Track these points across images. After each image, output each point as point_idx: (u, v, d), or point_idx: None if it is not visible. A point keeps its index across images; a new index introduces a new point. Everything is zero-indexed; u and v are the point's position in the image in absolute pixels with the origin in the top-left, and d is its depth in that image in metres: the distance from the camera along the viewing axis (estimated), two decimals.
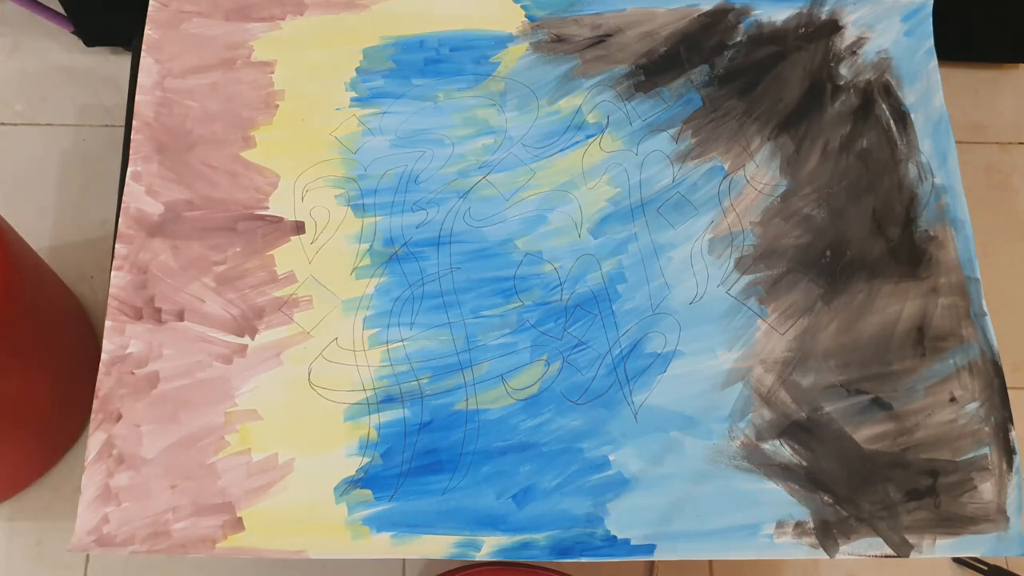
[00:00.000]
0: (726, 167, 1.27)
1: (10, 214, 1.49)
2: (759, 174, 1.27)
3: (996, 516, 1.13)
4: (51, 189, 1.98)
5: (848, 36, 1.35)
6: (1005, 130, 2.21)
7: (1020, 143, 2.19)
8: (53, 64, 2.11)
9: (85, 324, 1.80)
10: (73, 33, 1.98)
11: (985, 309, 1.22)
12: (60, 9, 1.89)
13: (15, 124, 2.04)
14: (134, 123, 1.22)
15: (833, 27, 1.36)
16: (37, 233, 1.92)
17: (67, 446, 1.73)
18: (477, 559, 1.09)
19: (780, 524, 1.11)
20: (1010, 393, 1.20)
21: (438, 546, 1.08)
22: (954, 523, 1.13)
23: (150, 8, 1.29)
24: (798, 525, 1.11)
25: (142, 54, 1.26)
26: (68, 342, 1.63)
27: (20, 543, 1.73)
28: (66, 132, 2.04)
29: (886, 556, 1.11)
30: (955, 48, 1.99)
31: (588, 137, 1.28)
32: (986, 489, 1.14)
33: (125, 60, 2.07)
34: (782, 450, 1.14)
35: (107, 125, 2.04)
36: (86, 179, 1.99)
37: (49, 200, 1.97)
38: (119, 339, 1.13)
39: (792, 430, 1.15)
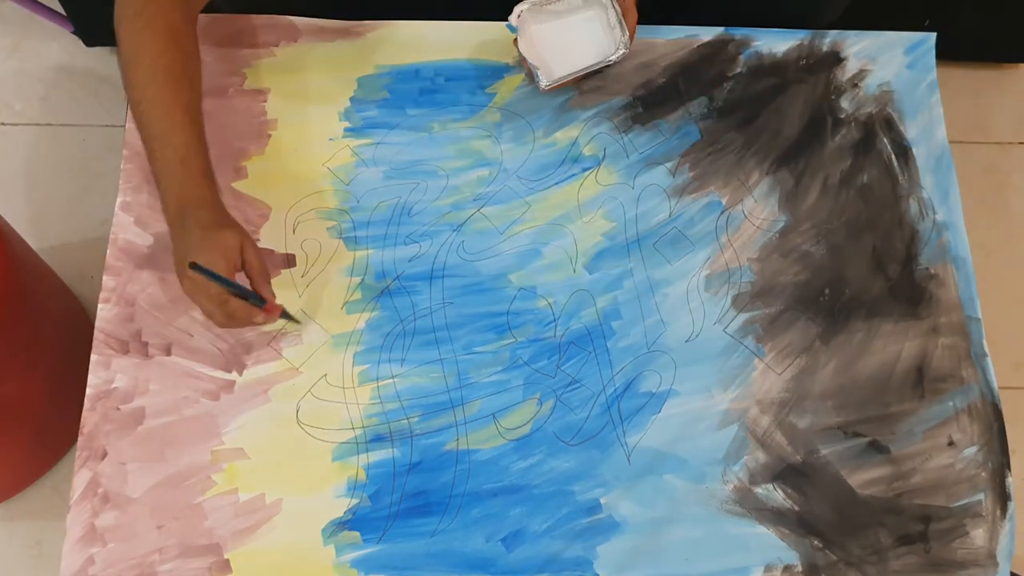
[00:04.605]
0: (724, 202, 1.25)
1: (10, 214, 1.49)
2: (757, 209, 1.25)
3: (986, 561, 1.13)
4: (51, 189, 1.98)
5: (849, 68, 1.33)
6: (1005, 130, 2.21)
7: (1020, 143, 2.19)
8: (53, 64, 2.10)
9: (85, 324, 1.79)
10: (73, 33, 1.97)
11: (986, 350, 1.21)
12: (60, 9, 1.88)
13: (15, 124, 2.04)
14: (124, 152, 1.20)
15: (834, 59, 1.34)
16: (37, 233, 1.92)
17: (67, 446, 1.74)
18: None
19: (768, 568, 1.11)
20: (1010, 393, 1.19)
21: None
22: (943, 568, 1.12)
23: None
24: (787, 569, 1.10)
25: None
26: (68, 342, 1.63)
27: (20, 543, 1.73)
28: (66, 132, 2.04)
29: None
30: (955, 48, 1.96)
31: (584, 170, 1.26)
32: (978, 535, 1.14)
33: None
34: (775, 494, 1.13)
35: (107, 125, 2.04)
36: (86, 179, 1.99)
37: (49, 200, 1.97)
38: (104, 373, 1.12)
39: (786, 474, 1.14)
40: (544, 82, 1.21)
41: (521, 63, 1.27)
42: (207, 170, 1.07)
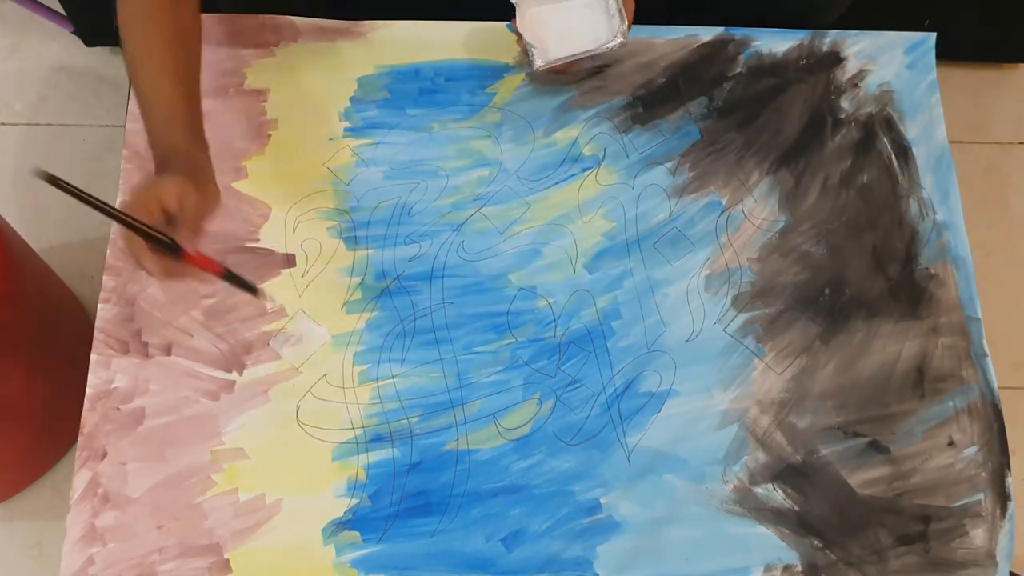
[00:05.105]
0: (724, 202, 1.25)
1: (10, 214, 1.49)
2: (757, 209, 1.25)
3: (985, 561, 1.13)
4: (51, 189, 1.96)
5: (849, 68, 1.33)
6: (1005, 130, 2.20)
7: (1020, 143, 2.18)
8: (53, 64, 2.09)
9: (85, 324, 1.79)
10: (73, 33, 1.97)
11: (986, 350, 1.20)
12: (60, 9, 1.88)
13: (15, 124, 2.03)
14: (124, 152, 1.20)
15: (834, 59, 1.34)
16: (37, 233, 1.91)
17: (67, 445, 1.74)
18: None
19: (768, 568, 1.11)
20: (1010, 393, 1.19)
21: None
22: (942, 568, 1.12)
23: None
24: (786, 569, 1.10)
25: None
26: (68, 342, 1.63)
27: (20, 543, 1.73)
28: (66, 132, 2.03)
29: None
30: (955, 48, 1.97)
31: (584, 170, 1.26)
32: (977, 535, 1.14)
33: None
34: (775, 494, 1.13)
35: (107, 125, 2.03)
36: (86, 179, 1.96)
37: (49, 200, 1.96)
38: (104, 373, 1.12)
39: (786, 474, 1.13)
40: (539, 62, 1.21)
41: (517, 43, 1.26)
42: (189, 122, 1.03)
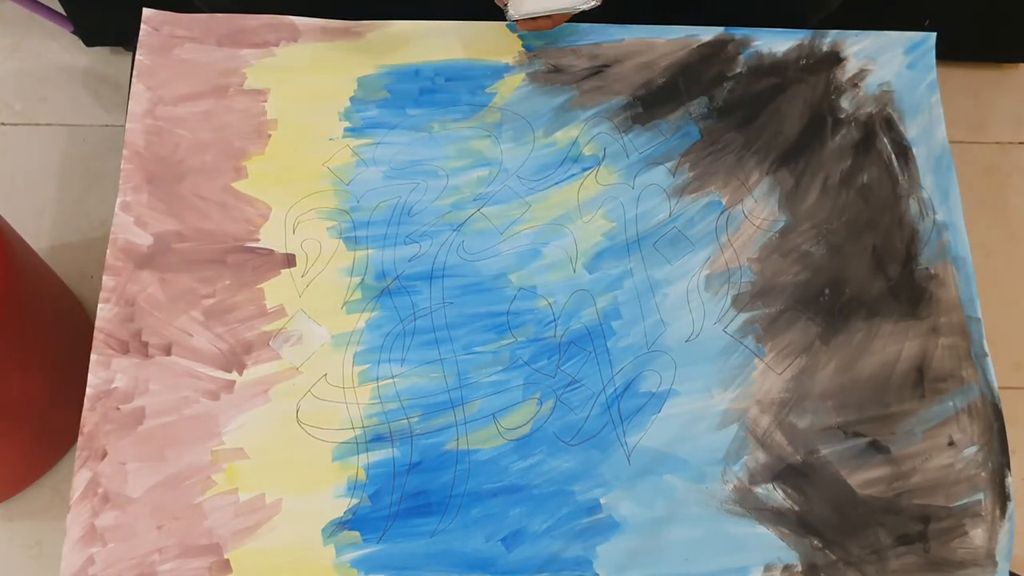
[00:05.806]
0: (724, 202, 1.25)
1: (10, 214, 1.49)
2: (757, 209, 1.25)
3: (985, 561, 1.13)
4: (51, 189, 1.97)
5: (850, 68, 1.33)
6: (1005, 130, 2.20)
7: (1020, 143, 2.18)
8: (53, 64, 2.10)
9: (85, 324, 1.79)
10: (73, 33, 1.96)
11: (986, 350, 1.20)
12: (60, 9, 1.88)
13: (15, 124, 2.03)
14: (124, 152, 1.20)
15: (834, 59, 1.33)
16: (37, 233, 1.92)
17: (67, 445, 1.74)
18: None
19: (768, 568, 1.10)
20: (1010, 393, 1.19)
21: None
22: (942, 568, 1.12)
23: (141, 32, 1.27)
24: (786, 569, 1.10)
25: (133, 80, 1.24)
26: (68, 342, 1.63)
27: (20, 543, 1.73)
28: (66, 132, 2.03)
29: None
30: (955, 48, 1.97)
31: (584, 170, 1.26)
32: (977, 535, 1.13)
33: (125, 60, 2.06)
34: (775, 494, 1.13)
35: (107, 125, 2.03)
36: (86, 179, 1.99)
37: (49, 200, 1.97)
38: (104, 373, 1.12)
39: (786, 474, 1.13)
40: (511, 12, 1.18)
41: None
42: None
